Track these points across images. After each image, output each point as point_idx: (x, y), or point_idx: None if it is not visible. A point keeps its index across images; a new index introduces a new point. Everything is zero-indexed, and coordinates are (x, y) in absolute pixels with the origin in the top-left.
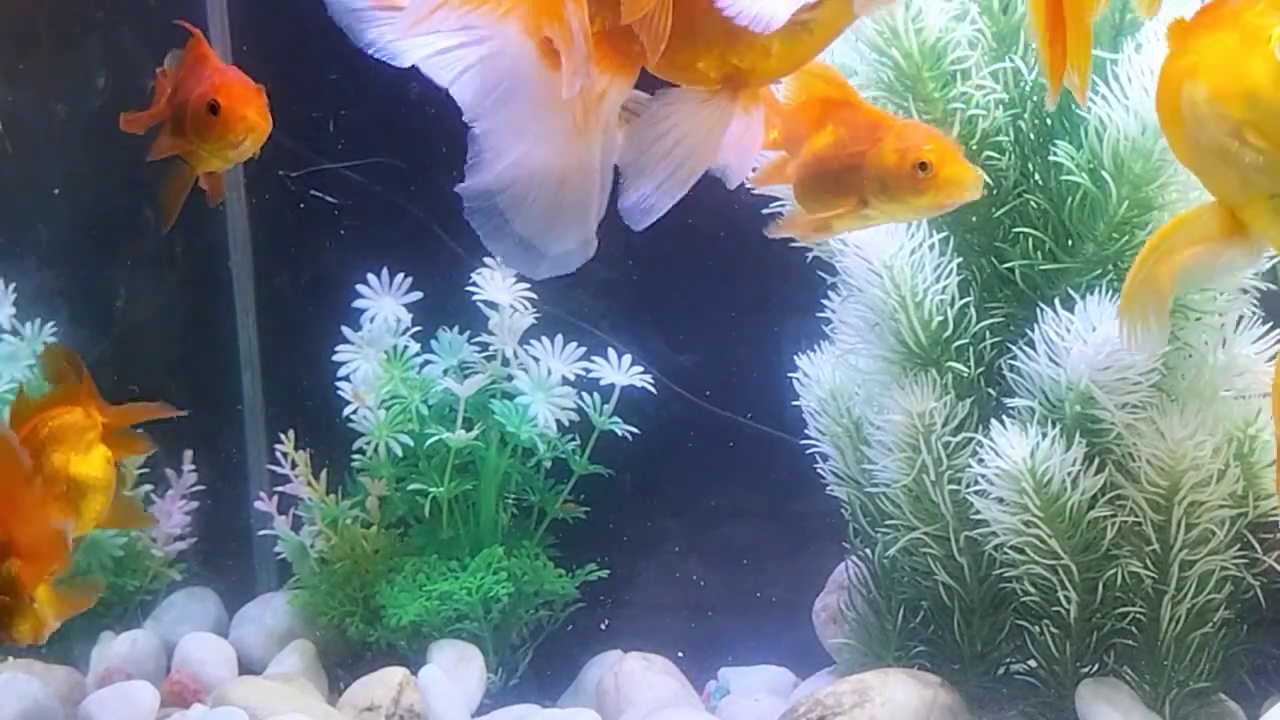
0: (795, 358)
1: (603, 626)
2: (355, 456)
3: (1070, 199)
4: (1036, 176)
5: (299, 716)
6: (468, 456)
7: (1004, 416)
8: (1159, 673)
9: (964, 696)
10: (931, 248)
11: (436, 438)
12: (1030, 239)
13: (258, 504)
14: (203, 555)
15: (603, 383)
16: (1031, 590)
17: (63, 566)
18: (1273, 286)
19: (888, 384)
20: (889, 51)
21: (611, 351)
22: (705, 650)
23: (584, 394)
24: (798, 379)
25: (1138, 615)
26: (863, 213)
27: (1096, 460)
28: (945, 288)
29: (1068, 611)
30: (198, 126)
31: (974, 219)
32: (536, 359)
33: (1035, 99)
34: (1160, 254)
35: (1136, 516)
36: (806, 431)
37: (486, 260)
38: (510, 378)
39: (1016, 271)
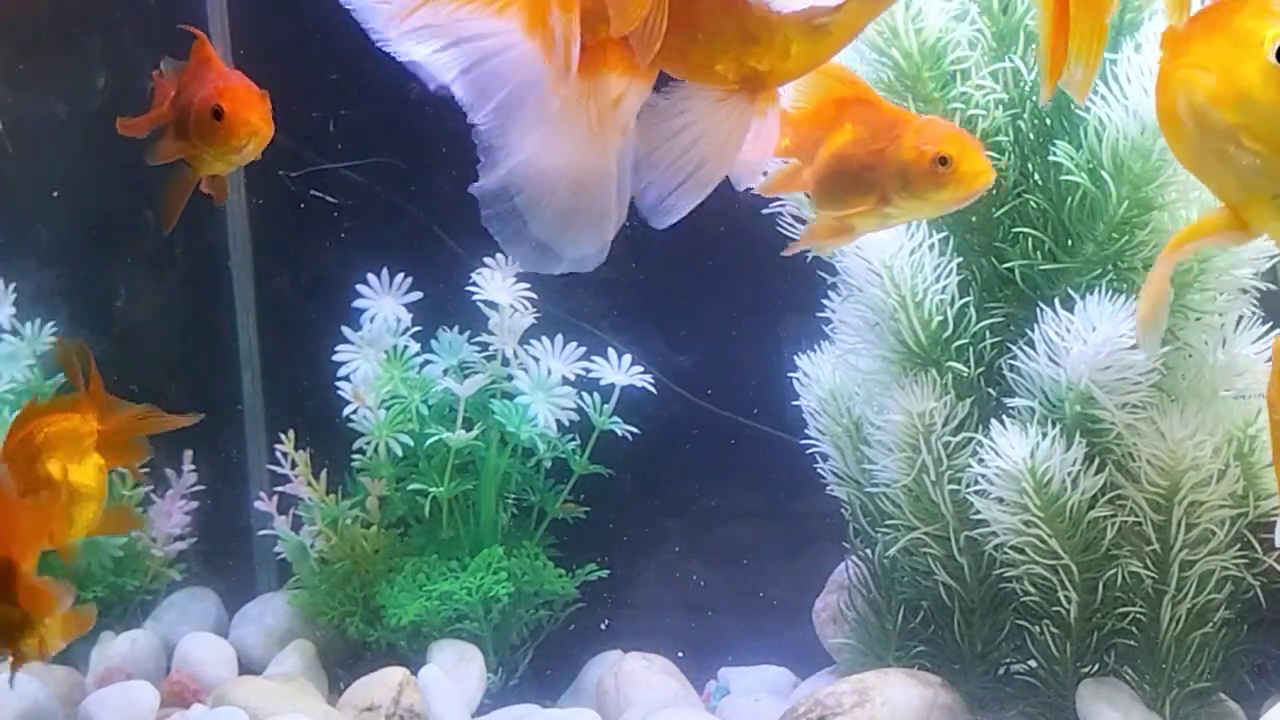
0: (795, 358)
1: (603, 626)
2: (355, 456)
3: (1070, 199)
4: (1036, 176)
5: (299, 716)
6: (468, 456)
7: (1004, 416)
8: (1159, 673)
9: (964, 696)
10: (931, 248)
11: (436, 438)
12: (1030, 239)
13: (258, 504)
14: (203, 555)
15: (603, 383)
16: (1031, 590)
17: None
18: (1273, 286)
19: (888, 384)
20: (889, 51)
21: (611, 351)
22: (705, 650)
23: (584, 394)
24: (798, 379)
25: (1138, 615)
26: (884, 211)
27: (1096, 460)
28: (945, 288)
29: (1068, 611)
30: (202, 131)
31: (974, 219)
32: (536, 359)
33: (1035, 99)
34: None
35: (1136, 516)
36: (806, 431)
37: (486, 260)
38: (510, 378)
39: (1016, 271)
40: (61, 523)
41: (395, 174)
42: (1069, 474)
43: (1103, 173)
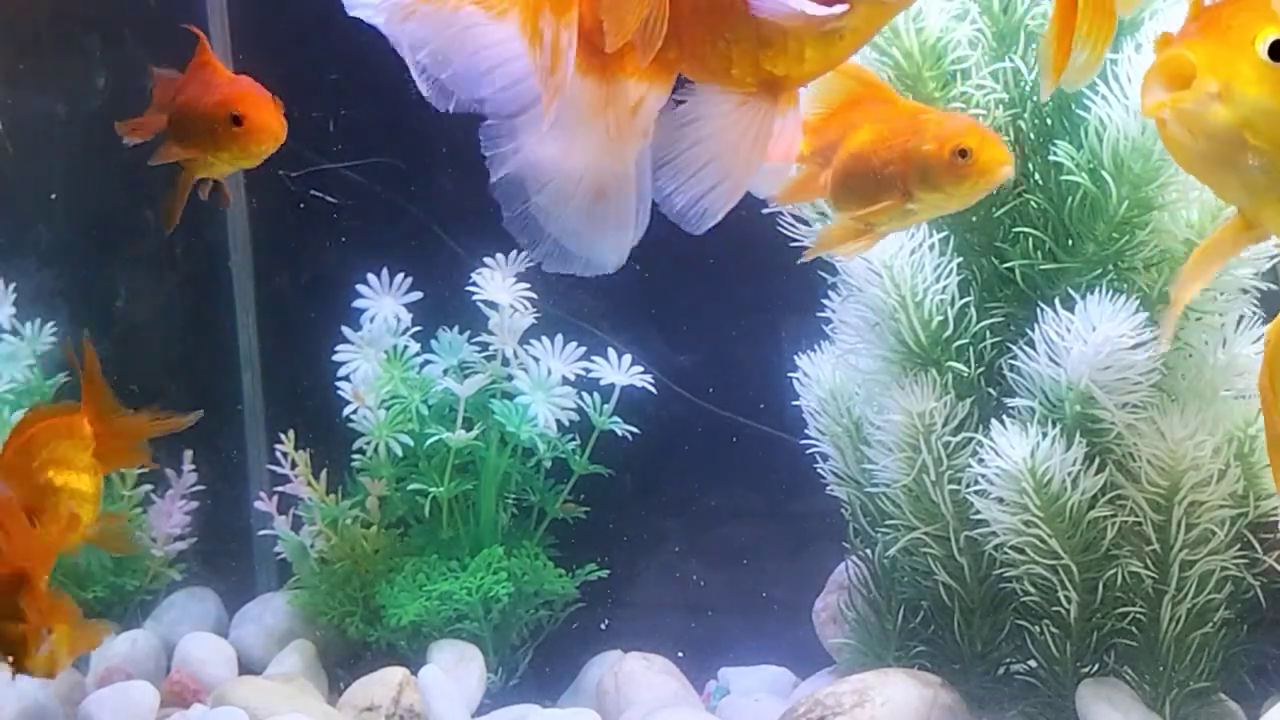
0: (795, 358)
1: (603, 626)
2: (355, 456)
3: (1070, 199)
4: (1036, 176)
5: (299, 716)
6: (468, 456)
7: (1004, 416)
8: (1159, 673)
9: (964, 696)
10: (931, 248)
11: (436, 438)
12: (1030, 239)
13: (258, 504)
14: (203, 555)
15: (603, 383)
16: (1031, 590)
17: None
18: (1273, 286)
19: (888, 384)
20: (889, 51)
21: (611, 351)
22: (705, 650)
23: (584, 394)
24: (798, 379)
25: (1138, 615)
26: (905, 208)
27: (1096, 460)
28: (945, 288)
29: (1068, 611)
30: (215, 136)
31: (974, 219)
32: (536, 359)
33: (1036, 99)
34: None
35: (1136, 516)
36: (806, 431)
37: (486, 260)
38: (510, 378)
39: (1016, 271)
40: (58, 527)
41: (395, 174)
42: (1069, 474)
43: (1103, 172)
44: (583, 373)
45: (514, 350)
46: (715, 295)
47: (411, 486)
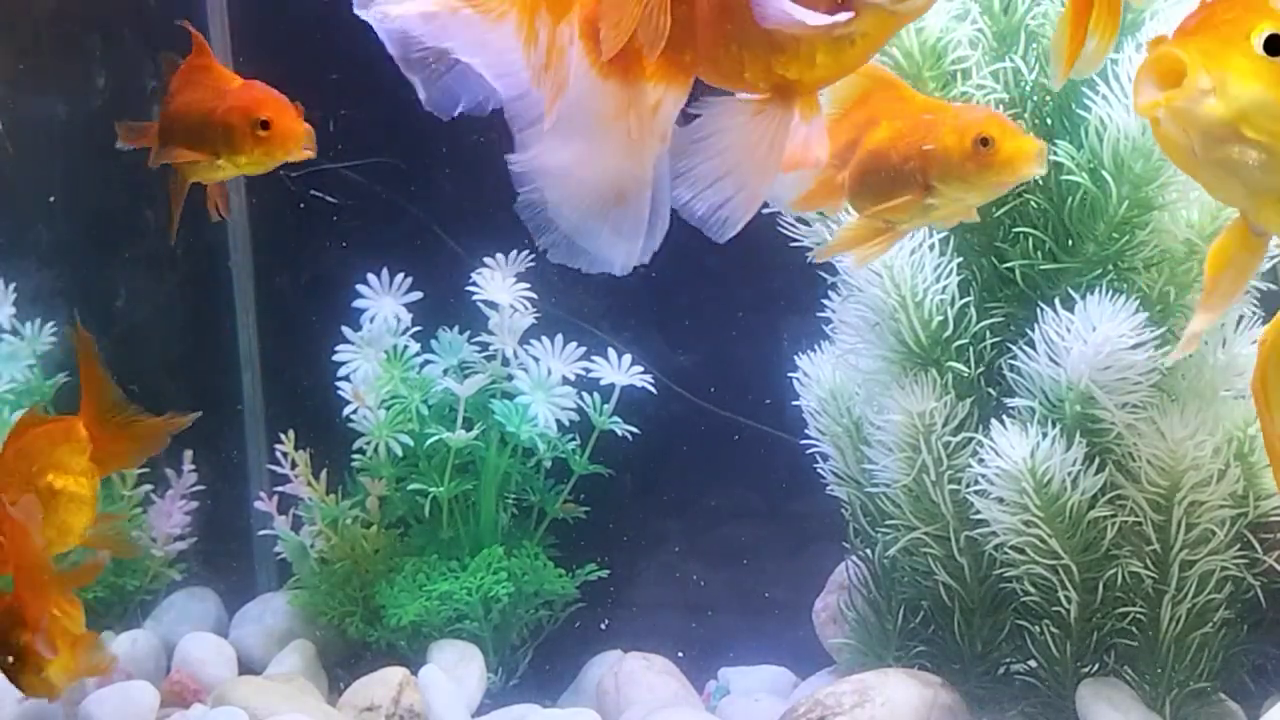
0: (795, 358)
1: (603, 626)
2: (355, 456)
3: (1070, 199)
4: (1037, 176)
5: (299, 716)
6: (468, 456)
7: (1004, 416)
8: (1159, 673)
9: (964, 696)
10: (931, 248)
11: (436, 438)
12: (1030, 239)
13: (258, 504)
14: (203, 555)
15: (603, 383)
16: (1031, 590)
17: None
18: (1273, 286)
19: (888, 384)
20: (889, 51)
21: (611, 351)
22: (705, 650)
23: (584, 394)
24: (798, 379)
25: (1138, 615)
26: (926, 203)
27: (1096, 460)
28: (945, 288)
29: (1068, 611)
30: (235, 141)
31: (974, 219)
32: (536, 359)
33: (1035, 99)
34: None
35: (1137, 516)
36: (806, 431)
37: (486, 260)
38: (510, 378)
39: (1016, 271)
40: (54, 532)
41: (395, 174)
42: (1069, 474)
43: (1103, 172)
44: (583, 373)
45: (514, 350)
46: (715, 295)
47: (411, 486)
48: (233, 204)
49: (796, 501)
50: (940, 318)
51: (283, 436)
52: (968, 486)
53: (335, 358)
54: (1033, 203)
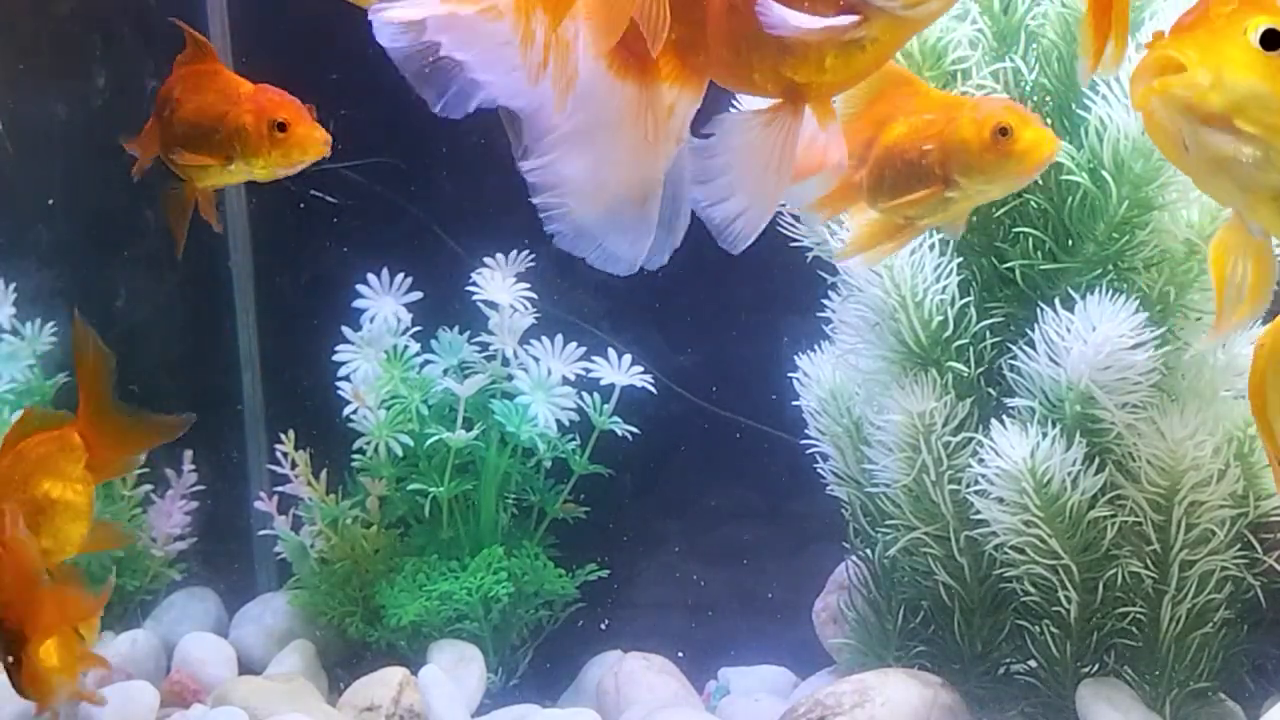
0: (795, 358)
1: (603, 626)
2: (355, 456)
3: (1070, 199)
4: (1037, 176)
5: (299, 716)
6: (468, 456)
7: (1004, 416)
8: (1159, 673)
9: (964, 696)
10: (931, 248)
11: (436, 438)
12: (1030, 239)
13: (258, 504)
14: (203, 555)
15: (603, 383)
16: (1031, 590)
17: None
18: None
19: (888, 384)
20: None
21: (611, 351)
22: (705, 650)
23: (584, 394)
24: (798, 379)
25: (1138, 615)
26: (946, 196)
27: (1096, 460)
28: (945, 288)
29: (1068, 611)
30: (250, 145)
31: (974, 219)
32: (536, 359)
33: (1035, 99)
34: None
35: (1137, 516)
36: (806, 431)
37: (486, 260)
38: (510, 378)
39: (1016, 271)
40: (50, 542)
41: (395, 174)
42: (1069, 474)
43: (1103, 172)
44: (583, 373)
45: (514, 350)
46: (715, 295)
47: (411, 486)
48: (233, 204)
49: (796, 501)
50: (940, 318)
51: (283, 436)
52: (968, 486)
53: (335, 358)
54: (1033, 203)
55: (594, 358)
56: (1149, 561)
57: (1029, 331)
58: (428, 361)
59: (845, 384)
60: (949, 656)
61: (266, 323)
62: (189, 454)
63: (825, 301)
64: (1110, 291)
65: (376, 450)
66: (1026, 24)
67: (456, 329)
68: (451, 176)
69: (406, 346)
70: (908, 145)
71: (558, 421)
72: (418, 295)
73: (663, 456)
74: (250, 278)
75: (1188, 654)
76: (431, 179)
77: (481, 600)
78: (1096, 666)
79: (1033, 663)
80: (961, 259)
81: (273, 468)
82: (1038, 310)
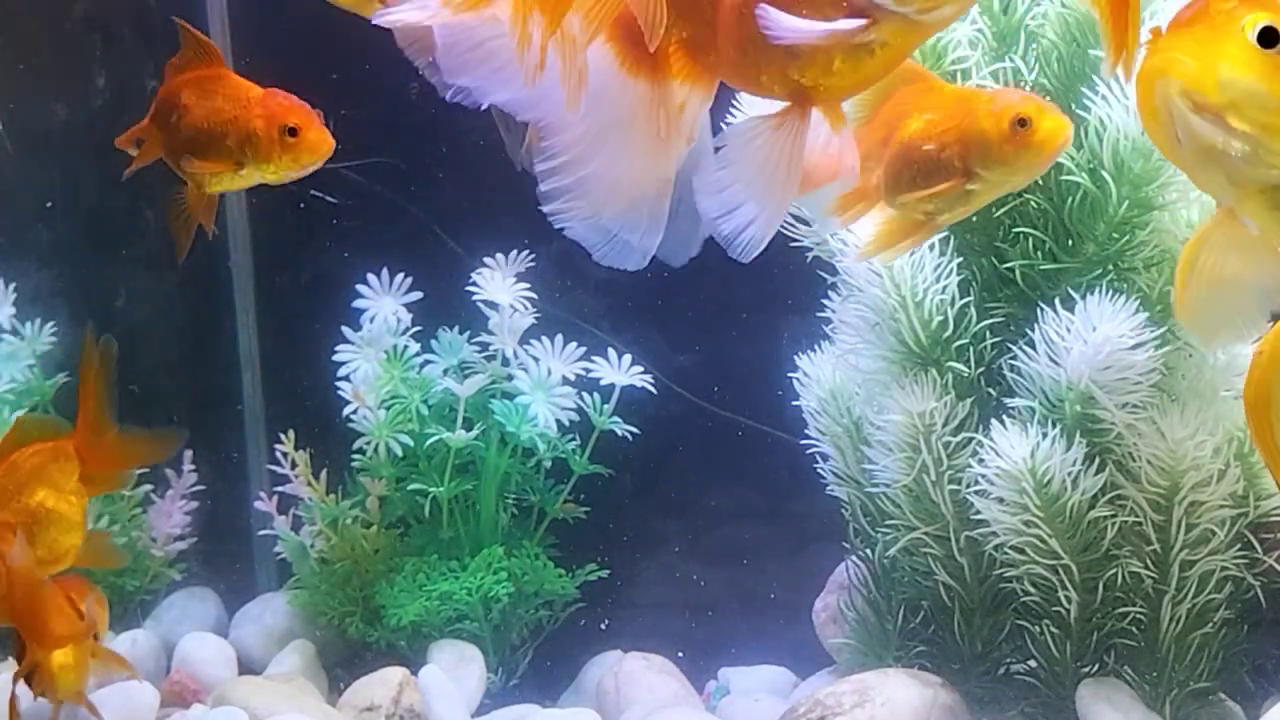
0: (795, 358)
1: (603, 626)
2: (355, 456)
3: (1070, 199)
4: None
5: (299, 716)
6: (468, 456)
7: (1004, 416)
8: (1159, 673)
9: (964, 696)
10: (931, 248)
11: (436, 438)
12: (1030, 239)
13: (258, 504)
14: (203, 555)
15: (603, 383)
16: (1032, 590)
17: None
18: None
19: (888, 384)
20: None
21: (611, 351)
22: (705, 650)
23: (584, 394)
24: (798, 379)
25: (1138, 615)
26: (966, 189)
27: (1097, 460)
28: (945, 288)
29: (1068, 611)
30: (262, 149)
31: (974, 219)
32: (536, 359)
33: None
34: (1194, 266)
35: (1137, 516)
36: (806, 431)
37: (486, 260)
38: (510, 378)
39: (1016, 271)
40: (43, 554)
41: (395, 174)
42: (1069, 474)
43: (1103, 172)
44: (583, 373)
45: (514, 350)
46: (715, 295)
47: (411, 486)
48: (233, 204)
49: (796, 501)
50: (940, 318)
51: (283, 436)
52: (968, 486)
53: (335, 358)
54: (1033, 203)
55: (594, 358)
56: (1149, 561)
57: (1029, 331)
58: (428, 361)
59: (845, 384)
60: (949, 656)
61: (266, 323)
62: (189, 454)
63: (825, 301)
64: (1110, 291)
65: (376, 450)
66: (1026, 24)
67: (456, 329)
68: (451, 176)
69: (406, 346)
70: (925, 140)
71: (558, 421)
72: (418, 295)
73: (663, 456)
74: (250, 278)
75: (1188, 654)
76: (431, 179)
77: (481, 600)
78: (1096, 666)
79: (1033, 663)
80: (961, 259)
81: (273, 468)
82: (1038, 310)
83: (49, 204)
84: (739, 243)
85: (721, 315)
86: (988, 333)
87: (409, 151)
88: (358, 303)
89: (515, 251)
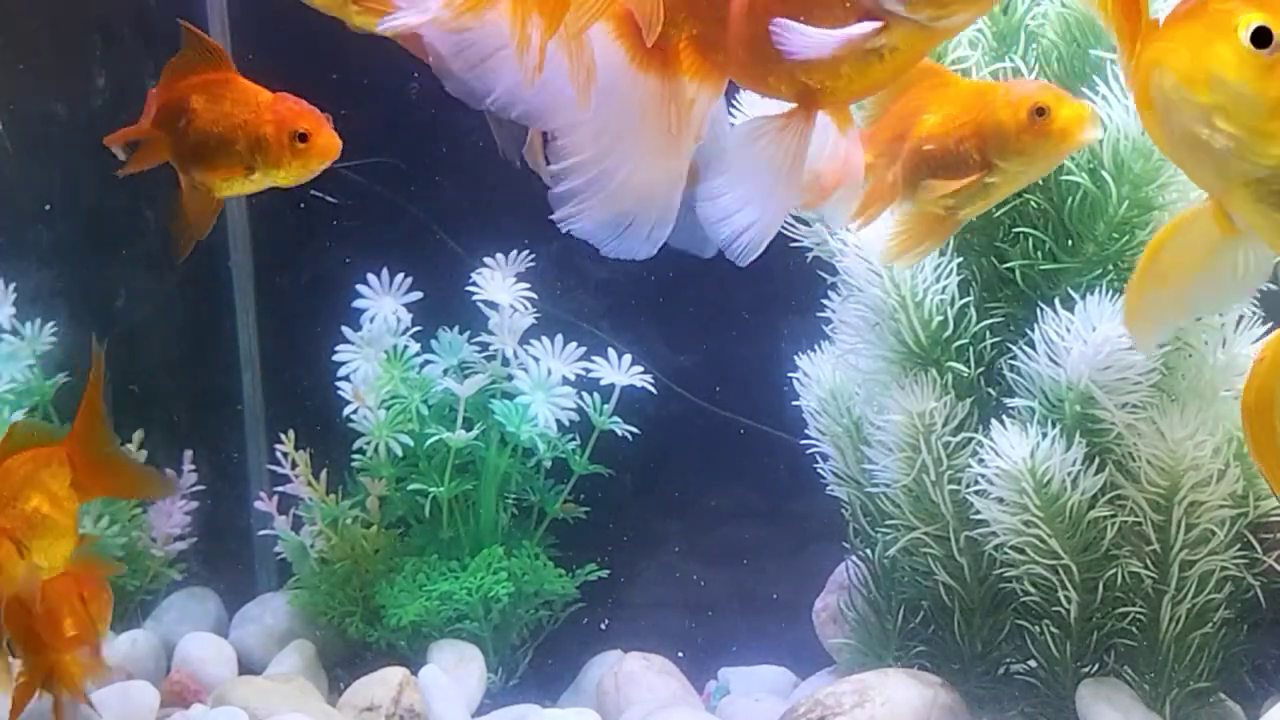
0: (795, 358)
1: (603, 626)
2: (355, 456)
3: (1070, 199)
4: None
5: (299, 716)
6: (468, 456)
7: (1004, 416)
8: (1159, 673)
9: (964, 696)
10: None
11: (436, 438)
12: (1030, 239)
13: (258, 504)
14: (203, 555)
15: (603, 383)
16: (1031, 590)
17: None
18: (1273, 286)
19: (888, 384)
20: None
21: (611, 351)
22: (705, 650)
23: (584, 394)
24: (798, 379)
25: (1138, 615)
26: (986, 182)
27: (1096, 460)
28: (945, 288)
29: (1068, 611)
30: (272, 154)
31: (974, 219)
32: (536, 359)
33: None
34: (1159, 254)
35: (1136, 516)
36: (806, 431)
37: (486, 260)
38: (510, 378)
39: (1016, 271)
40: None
41: (395, 174)
42: (1069, 474)
43: (1103, 172)
44: (583, 373)
45: (514, 350)
46: (715, 295)
47: (411, 486)
48: (233, 204)
49: (796, 501)
50: (940, 318)
51: (283, 436)
52: (968, 486)
53: (335, 358)
54: (1033, 203)
55: (594, 358)
56: (1149, 561)
57: (1029, 331)
58: (428, 361)
59: (845, 384)
60: (949, 656)
61: (266, 323)
62: (189, 454)
63: (825, 301)
64: (1110, 291)
65: (376, 450)
66: (1026, 24)
67: (456, 329)
68: (451, 176)
69: (406, 346)
70: (943, 135)
71: (558, 421)
72: (418, 295)
73: (663, 456)
74: (250, 278)
75: (1188, 654)
76: (431, 179)
77: (481, 600)
78: (1096, 666)
79: (1033, 663)
80: (961, 259)
81: (273, 468)
82: (1038, 310)
83: (49, 204)
84: (738, 246)
85: (721, 315)
86: (988, 333)
87: (409, 151)
88: (358, 303)
89: (515, 251)
